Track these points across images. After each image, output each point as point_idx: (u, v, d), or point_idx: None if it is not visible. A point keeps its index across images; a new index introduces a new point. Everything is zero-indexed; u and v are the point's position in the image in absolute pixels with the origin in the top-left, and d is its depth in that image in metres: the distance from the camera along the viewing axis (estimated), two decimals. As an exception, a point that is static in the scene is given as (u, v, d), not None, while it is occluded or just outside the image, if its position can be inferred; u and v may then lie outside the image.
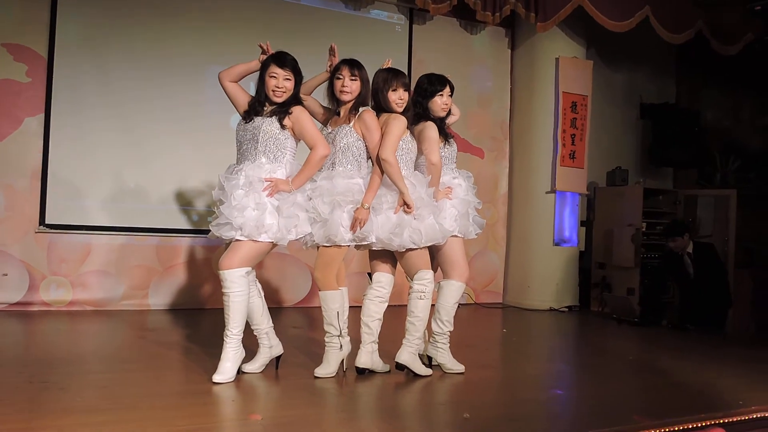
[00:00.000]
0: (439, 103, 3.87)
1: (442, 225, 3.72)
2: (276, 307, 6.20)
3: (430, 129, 3.81)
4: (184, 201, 6.07)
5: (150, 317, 5.55)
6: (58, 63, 5.65)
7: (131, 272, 5.89)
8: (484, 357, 4.51)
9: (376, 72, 3.77)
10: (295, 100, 3.55)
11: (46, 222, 5.61)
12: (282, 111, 3.50)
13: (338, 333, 3.62)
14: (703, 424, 3.05)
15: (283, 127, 3.49)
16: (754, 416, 3.26)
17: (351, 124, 3.61)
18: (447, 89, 3.89)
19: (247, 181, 3.39)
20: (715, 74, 8.21)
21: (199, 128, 6.05)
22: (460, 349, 4.10)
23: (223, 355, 3.43)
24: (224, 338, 3.44)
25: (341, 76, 3.62)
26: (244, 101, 3.61)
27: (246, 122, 3.53)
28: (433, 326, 3.88)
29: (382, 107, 3.70)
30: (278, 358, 3.75)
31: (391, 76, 3.69)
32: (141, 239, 5.93)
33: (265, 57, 3.59)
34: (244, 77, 3.68)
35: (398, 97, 3.67)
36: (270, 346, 3.67)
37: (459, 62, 7.24)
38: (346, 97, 3.63)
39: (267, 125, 3.47)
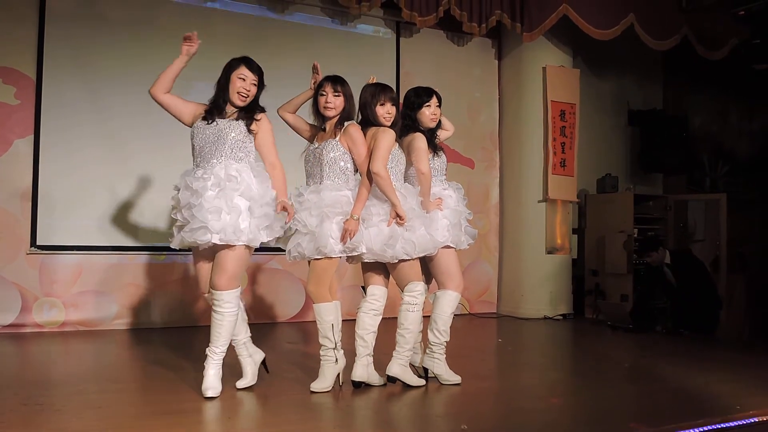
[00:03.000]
0: (428, 114, 3.94)
1: (433, 236, 3.75)
2: (270, 323, 6.22)
3: (419, 140, 3.87)
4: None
5: (143, 336, 5.53)
6: (47, 84, 5.67)
7: (123, 291, 5.88)
8: (480, 367, 4.52)
9: (363, 87, 3.81)
10: (259, 107, 3.59)
11: (38, 243, 5.60)
12: (250, 117, 3.52)
13: (333, 346, 3.63)
14: (701, 429, 3.08)
15: (250, 132, 3.52)
16: (752, 420, 3.29)
17: (337, 138, 3.64)
18: (434, 100, 3.95)
19: (216, 182, 3.39)
20: (702, 79, 8.31)
21: (187, 143, 6.04)
22: (456, 359, 4.11)
23: (210, 372, 3.44)
24: (208, 354, 3.45)
25: (324, 93, 3.68)
26: (188, 110, 3.60)
27: (208, 123, 3.50)
28: (430, 336, 3.91)
29: (370, 121, 3.74)
30: (263, 362, 3.78)
31: (378, 91, 3.74)
32: (132, 258, 5.93)
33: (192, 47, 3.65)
34: (172, 80, 3.66)
35: (386, 112, 3.72)
36: (250, 355, 3.69)
37: (447, 74, 7.31)
38: (330, 113, 3.68)
39: (234, 129, 3.48)
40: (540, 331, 6.50)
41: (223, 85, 3.55)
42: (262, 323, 6.24)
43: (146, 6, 6.08)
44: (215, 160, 3.44)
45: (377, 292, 3.76)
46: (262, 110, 3.59)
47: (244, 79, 3.50)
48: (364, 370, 3.70)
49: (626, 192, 7.75)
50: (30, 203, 5.59)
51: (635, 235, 7.35)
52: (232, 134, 3.46)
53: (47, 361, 4.66)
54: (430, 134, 3.96)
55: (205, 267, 3.58)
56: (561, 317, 7.18)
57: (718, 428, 3.13)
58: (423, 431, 3.22)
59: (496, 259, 7.60)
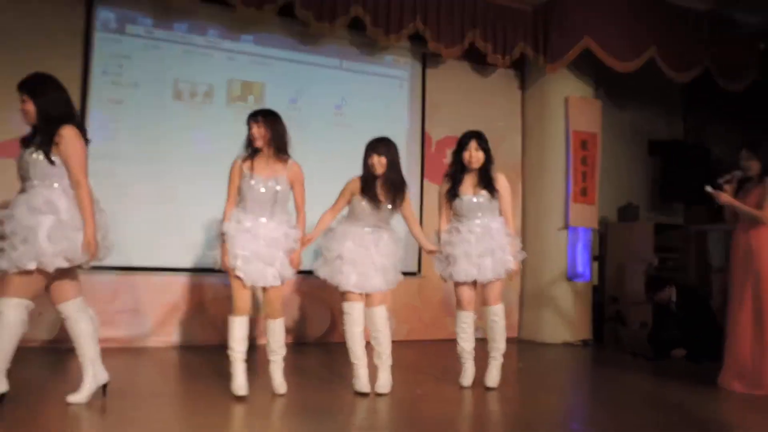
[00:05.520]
0: (466, 157, 4.37)
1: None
2: (299, 343, 6.32)
3: (441, 186, 4.57)
4: (208, 242, 6.21)
5: (175, 354, 5.66)
6: (91, 112, 5.90)
7: (158, 310, 6.02)
8: (501, 392, 4.54)
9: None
10: (49, 123, 3.44)
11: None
12: (46, 142, 3.40)
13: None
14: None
15: (51, 162, 3.41)
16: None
17: (285, 174, 3.97)
18: (471, 143, 4.40)
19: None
20: (722, 111, 8.31)
21: (224, 172, 6.22)
22: (477, 385, 4.18)
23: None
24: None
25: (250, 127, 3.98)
26: None
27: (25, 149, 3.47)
28: None
29: None
30: (105, 386, 3.78)
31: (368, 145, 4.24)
32: (168, 278, 6.08)
33: None
34: None
35: (374, 162, 4.17)
36: (94, 374, 3.71)
37: (471, 104, 7.43)
38: (258, 144, 3.95)
39: (31, 157, 3.42)
40: (560, 356, 6.51)
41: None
42: (289, 343, 6.34)
43: (181, 40, 6.31)
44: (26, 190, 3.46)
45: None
46: (59, 125, 3.44)
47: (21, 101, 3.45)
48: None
49: (647, 221, 7.76)
50: (72, 225, 5.77)
51: (656, 264, 7.35)
52: (33, 161, 3.41)
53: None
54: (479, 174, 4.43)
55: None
56: (581, 343, 7.18)
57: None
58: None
59: (518, 285, 7.64)
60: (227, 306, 6.11)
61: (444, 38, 6.83)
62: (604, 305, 7.66)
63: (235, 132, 6.19)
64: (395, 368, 4.33)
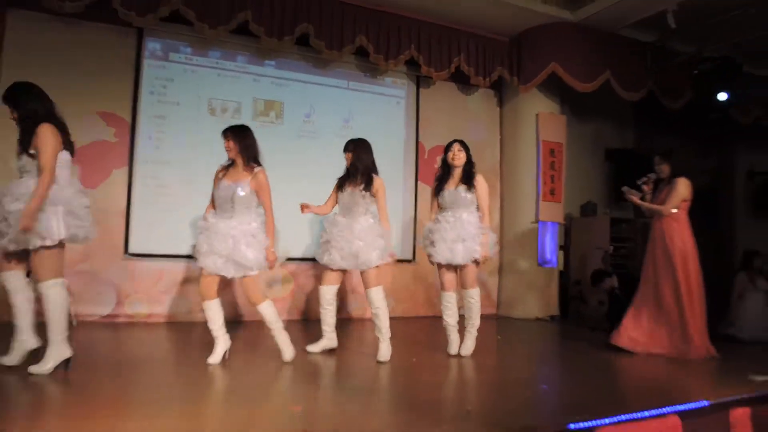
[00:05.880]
0: (450, 156, 4.46)
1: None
2: (308, 320, 6.33)
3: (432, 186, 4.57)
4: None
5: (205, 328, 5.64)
6: (140, 126, 5.92)
7: (196, 291, 6.02)
8: (482, 359, 4.57)
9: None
10: (28, 125, 3.33)
11: (130, 251, 5.81)
12: (27, 141, 3.31)
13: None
14: (663, 410, 3.10)
15: (32, 156, 3.31)
16: (704, 404, 3.29)
17: (248, 180, 3.83)
18: (454, 145, 4.46)
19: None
20: (666, 125, 8.33)
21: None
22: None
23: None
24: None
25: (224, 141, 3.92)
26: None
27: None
28: None
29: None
30: (67, 360, 3.46)
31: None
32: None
33: None
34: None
35: (346, 158, 4.31)
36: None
37: (457, 118, 7.44)
38: (230, 155, 3.91)
39: (21, 162, 3.35)
40: (532, 330, 6.52)
41: None
42: (300, 320, 6.37)
43: (215, 66, 6.31)
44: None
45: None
46: (36, 122, 3.31)
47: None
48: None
49: (604, 216, 7.77)
50: (124, 220, 5.81)
51: (611, 252, 7.37)
52: (20, 159, 3.35)
53: (135, 345, 4.78)
54: (461, 172, 4.46)
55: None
56: (549, 319, 7.21)
57: (679, 410, 3.15)
58: (432, 412, 3.20)
59: (497, 269, 7.67)
60: (240, 288, 6.19)
61: (434, 63, 6.84)
62: (568, 287, 7.68)
63: (259, 142, 6.28)
64: (394, 340, 4.35)
